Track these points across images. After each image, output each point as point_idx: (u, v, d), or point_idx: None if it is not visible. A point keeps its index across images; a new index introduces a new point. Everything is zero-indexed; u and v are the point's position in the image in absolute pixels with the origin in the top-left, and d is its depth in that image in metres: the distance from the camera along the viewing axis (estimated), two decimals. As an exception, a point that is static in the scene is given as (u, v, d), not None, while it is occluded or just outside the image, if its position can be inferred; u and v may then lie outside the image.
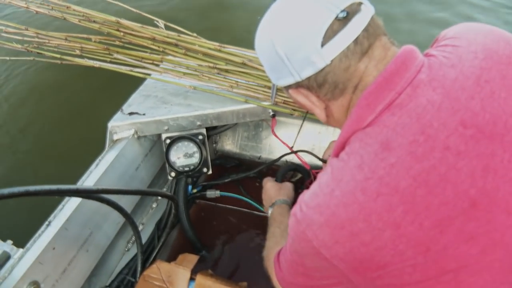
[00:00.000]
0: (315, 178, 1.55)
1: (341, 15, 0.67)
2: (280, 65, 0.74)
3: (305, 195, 0.70)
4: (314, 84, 0.73)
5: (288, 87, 0.79)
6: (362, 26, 0.68)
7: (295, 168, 1.62)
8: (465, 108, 0.62)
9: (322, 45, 0.67)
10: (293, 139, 1.62)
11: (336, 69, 0.70)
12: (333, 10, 0.67)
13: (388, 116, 0.65)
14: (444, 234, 0.59)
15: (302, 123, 1.52)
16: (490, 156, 0.60)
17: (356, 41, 0.68)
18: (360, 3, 0.70)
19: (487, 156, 0.60)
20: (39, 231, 1.09)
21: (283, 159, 1.58)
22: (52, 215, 1.13)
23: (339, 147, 0.73)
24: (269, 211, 1.26)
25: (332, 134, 1.70)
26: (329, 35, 0.67)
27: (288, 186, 1.38)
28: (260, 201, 1.51)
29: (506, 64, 0.66)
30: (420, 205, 0.59)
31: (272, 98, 0.98)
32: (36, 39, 1.48)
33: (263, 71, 1.36)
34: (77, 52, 1.46)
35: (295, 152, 1.53)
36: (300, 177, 1.64)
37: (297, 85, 0.76)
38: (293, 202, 1.32)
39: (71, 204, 1.15)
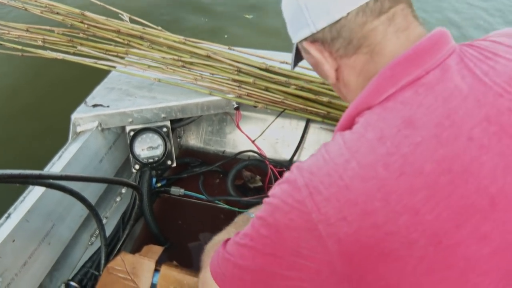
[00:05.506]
0: (275, 174, 1.58)
1: None
2: (299, 15, 0.73)
3: (306, 163, 0.63)
4: (328, 36, 0.71)
5: (304, 40, 0.77)
6: None
7: (251, 163, 1.64)
8: (491, 104, 0.59)
9: None
10: (257, 133, 1.64)
11: (352, 23, 0.68)
12: None
13: (411, 93, 0.62)
14: (459, 229, 0.55)
15: (275, 119, 1.55)
16: (511, 156, 0.57)
17: None
18: None
19: (508, 156, 0.57)
20: None
21: (246, 155, 1.61)
22: (12, 207, 1.11)
23: (349, 120, 0.69)
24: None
25: (296, 127, 1.74)
26: None
27: None
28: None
29: None
30: (441, 193, 0.55)
31: (292, 62, 0.91)
32: (-6, 30, 1.45)
33: (227, 64, 1.38)
34: (39, 43, 1.44)
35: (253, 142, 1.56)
36: (260, 184, 1.66)
37: (312, 38, 0.74)
38: None
39: (33, 195, 1.13)
